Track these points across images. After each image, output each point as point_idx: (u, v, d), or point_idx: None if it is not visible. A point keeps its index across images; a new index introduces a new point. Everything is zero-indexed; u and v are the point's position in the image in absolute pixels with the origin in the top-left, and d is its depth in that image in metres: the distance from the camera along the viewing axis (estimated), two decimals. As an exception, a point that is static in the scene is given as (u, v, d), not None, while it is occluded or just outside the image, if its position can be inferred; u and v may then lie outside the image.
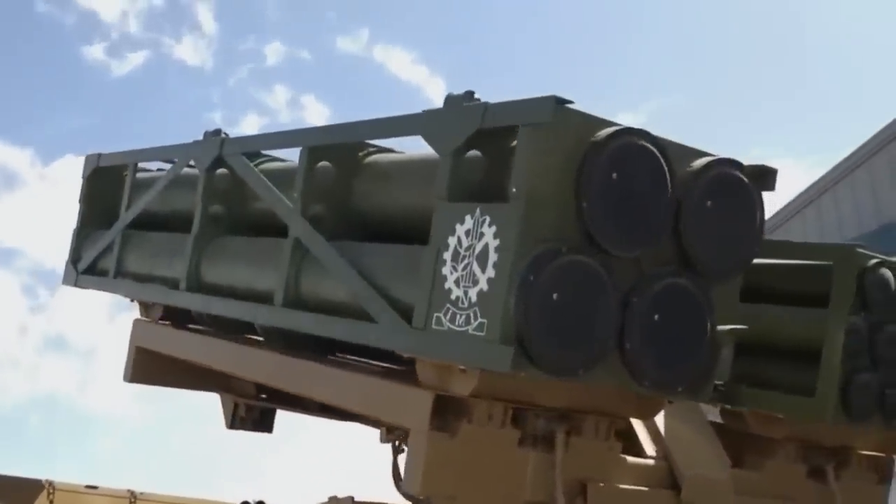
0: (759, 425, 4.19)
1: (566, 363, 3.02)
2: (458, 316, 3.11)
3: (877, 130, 14.62)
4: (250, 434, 6.16)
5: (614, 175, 3.01)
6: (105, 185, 6.19)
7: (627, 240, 3.08)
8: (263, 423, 6.16)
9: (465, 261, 3.13)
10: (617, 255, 3.07)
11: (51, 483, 8.08)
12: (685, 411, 4.12)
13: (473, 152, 3.30)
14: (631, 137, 3.07)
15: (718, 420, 4.37)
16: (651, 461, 3.84)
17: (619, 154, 3.03)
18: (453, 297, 3.14)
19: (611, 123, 3.09)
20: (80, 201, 6.34)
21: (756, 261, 3.75)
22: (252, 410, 6.03)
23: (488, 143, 3.25)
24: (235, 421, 6.05)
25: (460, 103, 3.38)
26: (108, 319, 46.88)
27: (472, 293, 3.06)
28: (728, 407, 4.26)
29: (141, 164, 6.00)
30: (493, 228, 3.04)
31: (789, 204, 15.77)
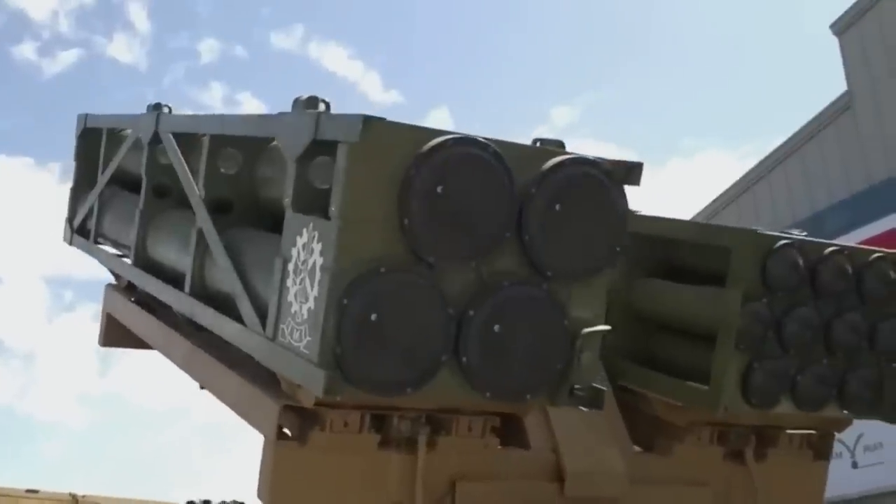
0: (664, 411, 4.14)
1: (390, 382, 2.96)
2: (295, 331, 3.06)
3: (805, 121, 14.97)
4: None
5: (439, 188, 2.89)
6: (95, 145, 6.10)
7: (457, 253, 2.98)
8: None
9: (302, 275, 3.06)
10: (447, 269, 2.98)
11: (-10, 488, 7.93)
12: None
13: (325, 159, 3.14)
14: (459, 147, 2.93)
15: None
16: (536, 454, 3.76)
17: (444, 166, 2.91)
18: (293, 310, 3.08)
19: (441, 133, 2.95)
20: (74, 159, 6.25)
21: (676, 238, 3.82)
22: None
23: (333, 153, 3.07)
24: None
25: (302, 110, 3.25)
26: (47, 321, 46.06)
27: (304, 310, 3.01)
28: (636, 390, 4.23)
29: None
30: (320, 246, 2.99)
31: (724, 193, 16.03)
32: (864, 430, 12.60)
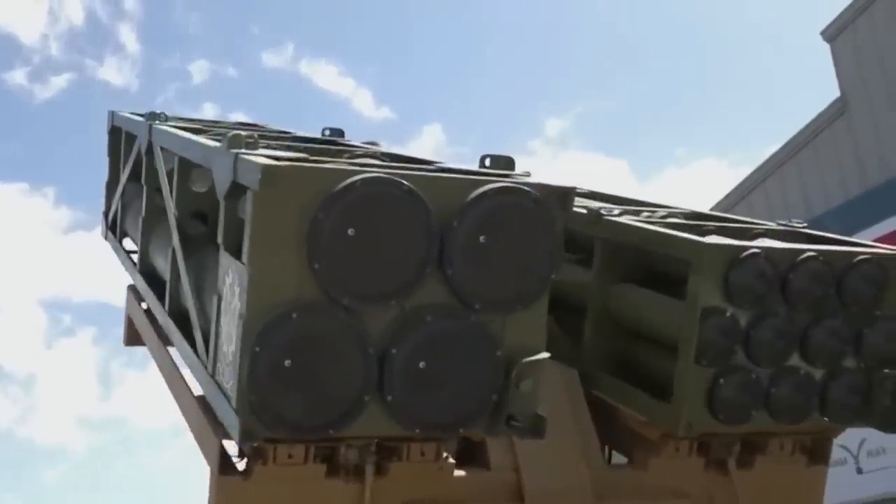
0: (637, 423, 4.08)
1: (310, 425, 2.98)
2: (225, 371, 3.08)
3: (798, 128, 14.96)
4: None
5: (350, 231, 2.89)
6: (120, 143, 6.03)
7: (373, 293, 2.96)
8: None
9: (228, 316, 3.07)
10: (365, 309, 2.97)
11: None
12: (559, 411, 3.97)
13: None
14: (368, 188, 2.90)
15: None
16: (495, 474, 3.76)
17: (352, 208, 2.89)
18: (223, 350, 3.09)
19: (353, 173, 2.93)
20: (107, 155, 6.33)
21: (642, 246, 3.73)
22: None
23: None
24: None
25: (226, 148, 3.22)
26: (45, 346, 45.89)
27: (230, 352, 3.02)
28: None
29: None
30: (237, 290, 2.99)
31: (719, 203, 16.00)
32: (866, 436, 12.53)
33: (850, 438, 12.85)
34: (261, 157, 3.04)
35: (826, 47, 14.57)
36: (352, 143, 4.61)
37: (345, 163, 3.23)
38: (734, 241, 3.80)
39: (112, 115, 6.22)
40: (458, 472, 3.67)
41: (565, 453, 3.89)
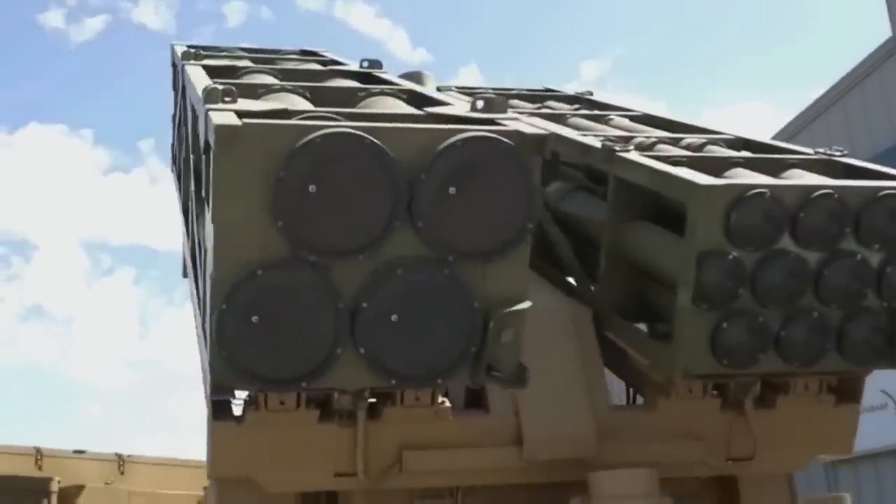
0: (645, 365, 4.05)
1: (280, 378, 3.05)
2: (208, 324, 3.14)
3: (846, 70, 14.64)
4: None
5: (311, 188, 2.88)
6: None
7: (339, 248, 2.97)
8: None
9: (209, 270, 3.15)
10: (333, 264, 2.98)
11: (38, 450, 8.06)
12: (565, 352, 4.00)
13: None
14: (329, 143, 2.90)
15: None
16: (493, 418, 3.79)
17: (313, 165, 2.89)
18: (207, 302, 3.16)
19: (314, 129, 2.92)
20: (172, 88, 6.30)
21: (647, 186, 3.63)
22: None
23: None
24: None
25: (202, 104, 3.19)
26: (87, 286, 46.58)
27: (209, 306, 3.10)
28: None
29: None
30: (208, 248, 3.07)
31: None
32: (907, 381, 12.44)
33: (890, 383, 12.79)
34: (230, 112, 3.03)
35: (878, -14, 14.19)
36: (387, 76, 4.51)
37: (311, 117, 3.21)
38: (738, 180, 3.66)
39: (172, 48, 6.16)
40: (457, 416, 3.72)
41: (568, 396, 3.89)
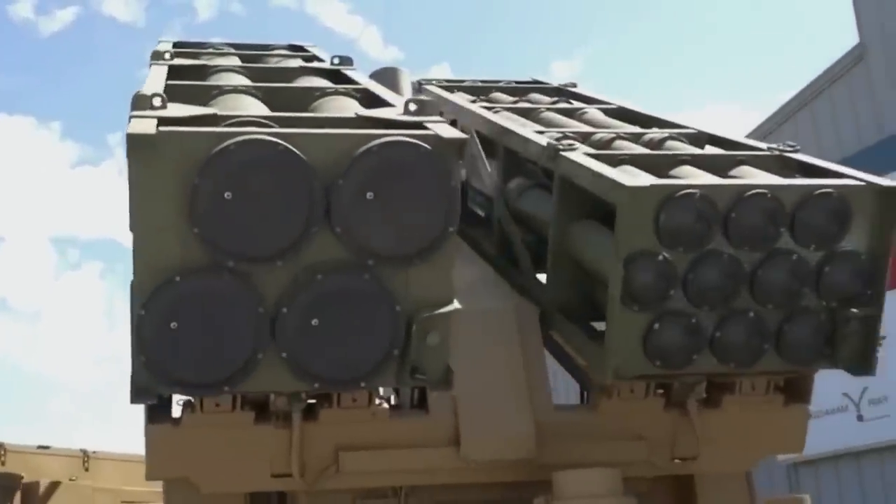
0: (586, 365, 4.03)
1: (201, 382, 3.08)
2: None
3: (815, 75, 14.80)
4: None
5: (227, 195, 2.91)
6: None
7: (257, 254, 3.00)
8: None
9: None
10: (252, 270, 3.02)
11: (1, 445, 7.97)
12: (508, 352, 4.01)
13: None
14: (244, 150, 2.93)
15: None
16: (432, 418, 3.81)
17: (228, 172, 2.92)
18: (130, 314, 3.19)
19: (230, 136, 2.95)
20: None
21: (584, 186, 3.63)
22: None
23: None
24: None
25: (131, 108, 3.21)
26: (54, 280, 46.08)
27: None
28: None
29: None
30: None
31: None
32: (868, 384, 12.61)
33: (851, 386, 12.98)
34: (151, 119, 3.06)
35: (846, -7, 14.36)
36: (354, 75, 4.50)
37: (236, 123, 3.25)
38: (666, 180, 3.63)
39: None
40: (394, 417, 3.75)
41: (508, 396, 3.89)
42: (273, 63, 5.12)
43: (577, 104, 5.47)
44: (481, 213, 5.37)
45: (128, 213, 2.95)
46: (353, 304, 3.10)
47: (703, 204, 3.42)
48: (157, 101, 3.21)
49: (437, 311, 3.17)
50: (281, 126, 3.22)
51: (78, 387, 46.40)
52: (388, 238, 3.09)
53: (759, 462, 4.24)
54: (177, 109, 3.26)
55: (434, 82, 6.11)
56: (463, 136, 3.19)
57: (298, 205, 2.99)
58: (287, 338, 3.07)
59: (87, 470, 8.43)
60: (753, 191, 3.48)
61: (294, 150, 2.96)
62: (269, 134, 3.00)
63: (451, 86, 6.08)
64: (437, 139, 3.10)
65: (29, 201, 43.53)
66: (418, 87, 6.10)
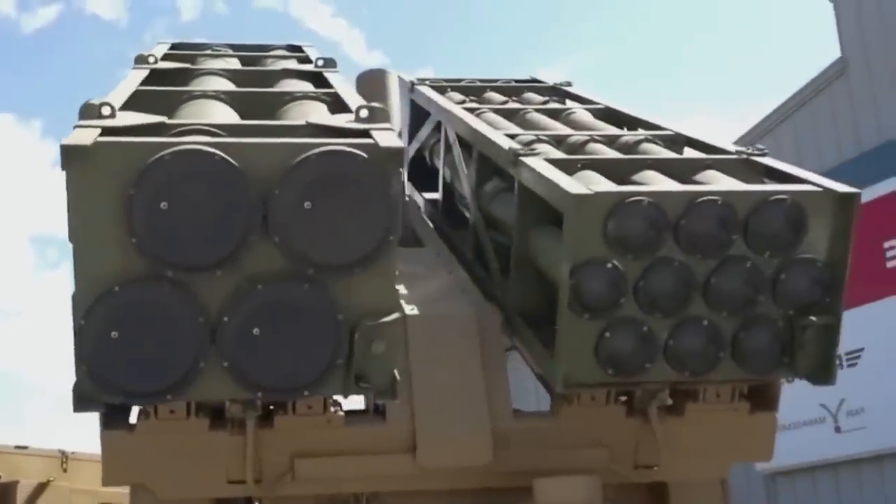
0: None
1: (143, 391, 3.10)
2: None
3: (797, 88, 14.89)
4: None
5: (163, 205, 2.93)
6: None
7: (195, 264, 3.02)
8: None
9: None
10: (191, 280, 3.03)
11: (-21, 445, 7.93)
12: (467, 359, 3.99)
13: None
14: (178, 161, 2.95)
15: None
16: (388, 425, 3.81)
17: (162, 183, 2.94)
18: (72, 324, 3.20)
19: (165, 146, 2.97)
20: None
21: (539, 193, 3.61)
22: None
23: None
24: None
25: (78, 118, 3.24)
26: (33, 280, 45.78)
27: None
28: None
29: None
30: None
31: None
32: (846, 395, 12.69)
33: (829, 397, 13.04)
34: (93, 129, 3.07)
35: (829, 6, 14.48)
36: (332, 77, 4.50)
37: (181, 132, 3.25)
38: (615, 187, 3.59)
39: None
40: (350, 424, 3.75)
41: (466, 402, 3.88)
42: (268, 65, 5.13)
43: (568, 104, 5.46)
44: (468, 215, 5.39)
45: (66, 224, 2.96)
46: (294, 314, 3.10)
47: (651, 211, 3.39)
48: (105, 110, 3.23)
49: (381, 320, 3.17)
50: (231, 134, 3.24)
51: (56, 388, 46.08)
52: (327, 247, 3.09)
53: (736, 472, 4.22)
54: (127, 118, 3.28)
55: (428, 82, 6.08)
56: (401, 145, 3.19)
57: (234, 214, 3.00)
58: (228, 347, 3.08)
59: (65, 471, 8.40)
60: (704, 197, 3.45)
61: (229, 159, 2.97)
62: (208, 144, 3.01)
63: (447, 85, 6.05)
64: (374, 148, 3.10)
65: (8, 200, 43.22)
66: (411, 87, 6.08)
